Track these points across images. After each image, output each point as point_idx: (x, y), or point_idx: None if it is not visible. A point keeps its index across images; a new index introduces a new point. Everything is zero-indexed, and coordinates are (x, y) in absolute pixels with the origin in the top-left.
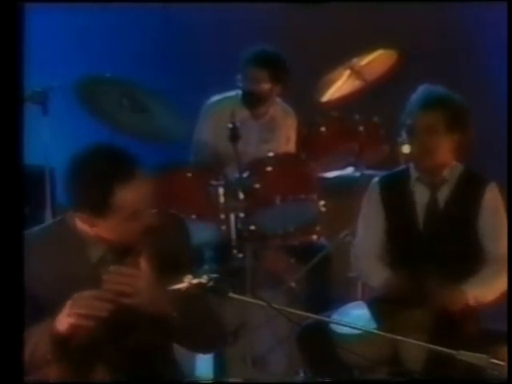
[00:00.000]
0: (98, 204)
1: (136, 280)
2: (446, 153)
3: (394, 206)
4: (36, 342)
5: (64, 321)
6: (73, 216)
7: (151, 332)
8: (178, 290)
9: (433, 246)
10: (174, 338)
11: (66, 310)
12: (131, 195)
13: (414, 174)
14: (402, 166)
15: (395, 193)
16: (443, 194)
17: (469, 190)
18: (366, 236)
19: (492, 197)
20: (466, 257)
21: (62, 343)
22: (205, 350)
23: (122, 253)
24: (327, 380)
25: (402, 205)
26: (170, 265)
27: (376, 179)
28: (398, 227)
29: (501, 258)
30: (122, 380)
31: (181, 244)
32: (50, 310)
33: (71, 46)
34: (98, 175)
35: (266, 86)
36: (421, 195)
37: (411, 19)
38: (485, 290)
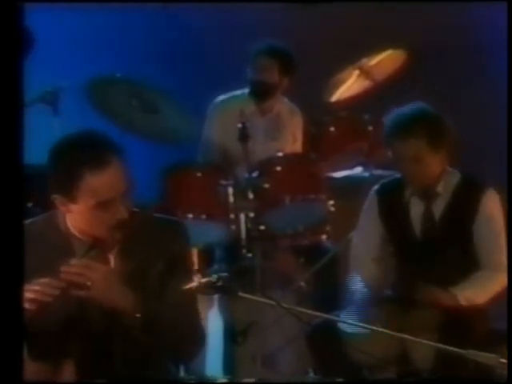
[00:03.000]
0: (66, 185)
1: (92, 273)
2: (436, 170)
3: (391, 218)
4: None
5: None
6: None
7: (110, 330)
8: (148, 292)
9: (429, 255)
10: (141, 340)
11: None
12: (100, 183)
13: (408, 187)
14: (399, 175)
15: (392, 204)
16: (438, 207)
17: (464, 201)
18: (361, 244)
19: (488, 205)
20: (462, 263)
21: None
22: (178, 357)
23: (92, 245)
24: (336, 379)
25: (399, 217)
26: (155, 268)
27: (375, 188)
28: (396, 237)
29: (495, 263)
30: (122, 380)
31: (168, 248)
32: None
33: (81, 47)
34: (71, 157)
35: (274, 76)
36: (416, 207)
37: (417, 20)
38: (476, 293)
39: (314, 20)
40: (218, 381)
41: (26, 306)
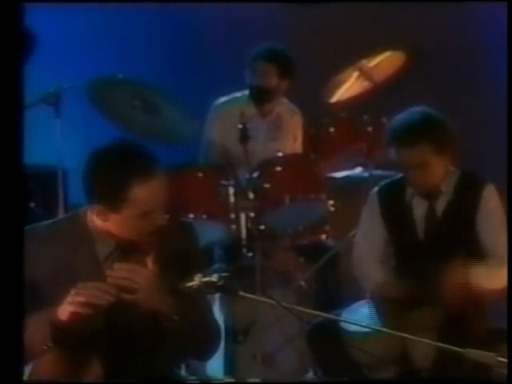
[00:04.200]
0: (113, 196)
1: (138, 276)
2: (439, 173)
3: (394, 218)
4: (34, 330)
5: (65, 309)
6: (85, 212)
7: (147, 331)
8: (180, 294)
9: (433, 253)
10: (170, 340)
11: (68, 299)
12: (147, 193)
13: (409, 187)
14: (400, 175)
15: (394, 204)
16: (441, 205)
17: (466, 196)
18: (365, 246)
19: (489, 199)
20: (466, 258)
21: (61, 331)
22: (196, 356)
23: (130, 251)
24: (336, 378)
25: (401, 216)
26: (177, 270)
27: (376, 189)
28: (399, 237)
29: (498, 256)
30: (122, 380)
31: (188, 250)
32: (51, 301)
33: (83, 48)
34: (119, 168)
35: (273, 81)
36: (418, 207)
37: (417, 20)
38: (490, 277)
39: (314, 21)
40: (219, 381)
41: (78, 309)
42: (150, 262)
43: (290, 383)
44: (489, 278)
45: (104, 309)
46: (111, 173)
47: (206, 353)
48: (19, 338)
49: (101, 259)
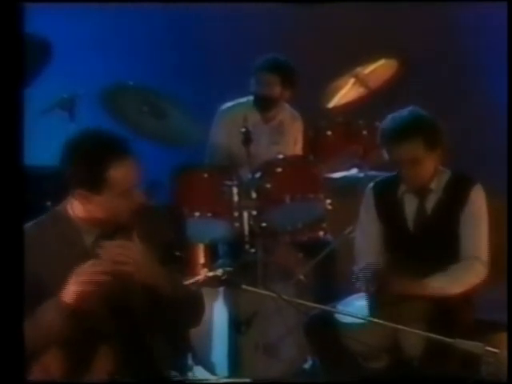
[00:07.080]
0: (94, 177)
1: (129, 250)
2: (430, 170)
3: (387, 212)
4: (50, 318)
5: (69, 291)
6: (65, 206)
7: (145, 307)
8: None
9: (422, 249)
10: (164, 311)
11: (70, 282)
12: (123, 172)
13: (402, 184)
14: (393, 173)
15: (387, 200)
16: (430, 203)
17: (455, 196)
18: (363, 239)
19: (475, 201)
20: (452, 256)
21: (71, 313)
22: (189, 322)
23: (115, 231)
24: (333, 368)
25: (393, 211)
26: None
27: (370, 185)
28: (391, 231)
29: (473, 255)
30: (123, 380)
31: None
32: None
33: (93, 55)
34: (96, 151)
35: (276, 90)
36: (409, 203)
37: (413, 23)
38: (449, 283)
39: (314, 32)
40: (216, 380)
41: (82, 287)
42: (135, 238)
43: (284, 383)
44: (452, 286)
45: (104, 284)
46: (90, 156)
47: (195, 319)
48: (21, 338)
49: (89, 248)
